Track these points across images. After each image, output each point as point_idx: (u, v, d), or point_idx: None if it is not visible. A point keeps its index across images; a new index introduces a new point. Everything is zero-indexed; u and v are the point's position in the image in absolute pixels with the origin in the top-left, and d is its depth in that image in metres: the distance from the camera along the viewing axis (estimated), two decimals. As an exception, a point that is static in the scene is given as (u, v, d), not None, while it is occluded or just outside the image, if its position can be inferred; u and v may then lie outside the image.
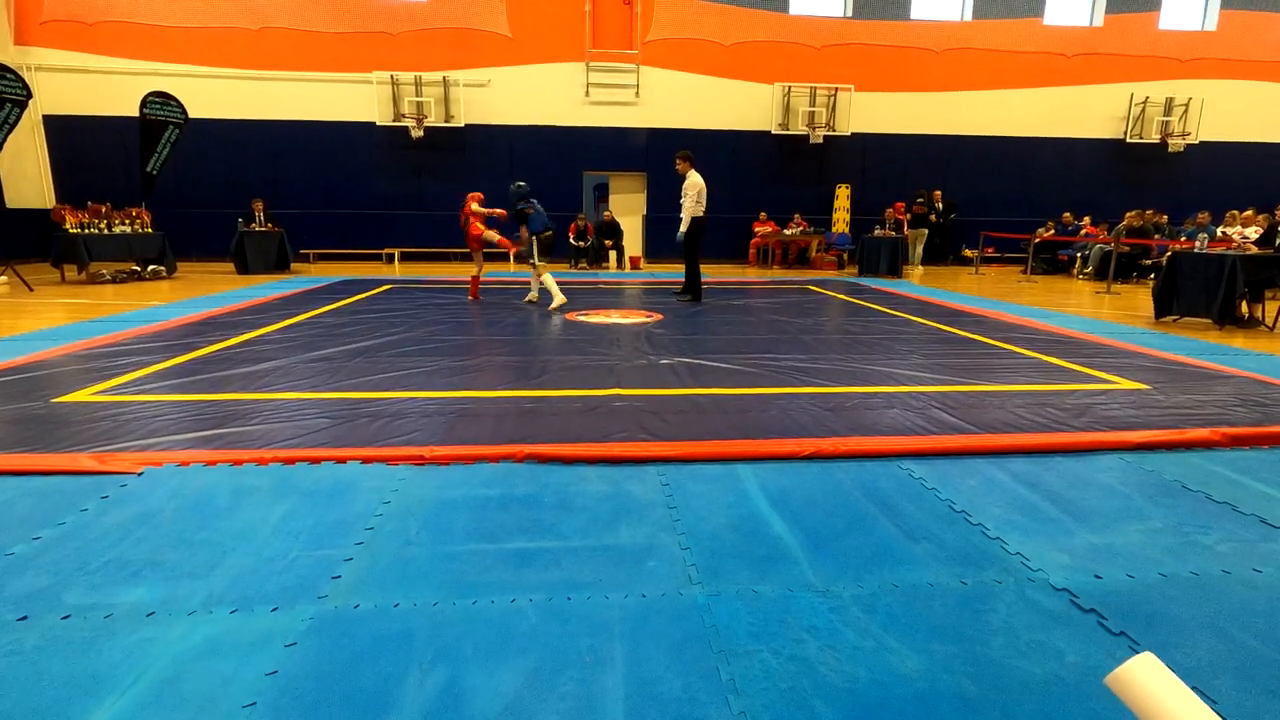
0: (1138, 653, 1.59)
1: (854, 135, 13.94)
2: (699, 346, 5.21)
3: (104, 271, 9.49)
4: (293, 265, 11.66)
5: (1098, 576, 1.96)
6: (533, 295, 7.60)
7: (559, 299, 7.08)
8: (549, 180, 13.29)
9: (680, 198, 7.82)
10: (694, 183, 7.72)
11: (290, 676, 1.50)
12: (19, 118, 8.65)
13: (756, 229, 13.96)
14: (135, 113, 10.26)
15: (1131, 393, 3.94)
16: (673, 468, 2.76)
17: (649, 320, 6.49)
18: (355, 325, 5.99)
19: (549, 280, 7.25)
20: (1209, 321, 6.53)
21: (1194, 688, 1.48)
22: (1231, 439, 3.12)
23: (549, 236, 7.29)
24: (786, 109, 13.82)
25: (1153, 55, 14.39)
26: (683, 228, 7.73)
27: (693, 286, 8.03)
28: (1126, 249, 10.65)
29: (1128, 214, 11.50)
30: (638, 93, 13.70)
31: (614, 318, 6.63)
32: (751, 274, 12.16)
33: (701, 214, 7.83)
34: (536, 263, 7.30)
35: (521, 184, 7.34)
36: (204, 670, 1.52)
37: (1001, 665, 1.57)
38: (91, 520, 2.23)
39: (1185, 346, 5.42)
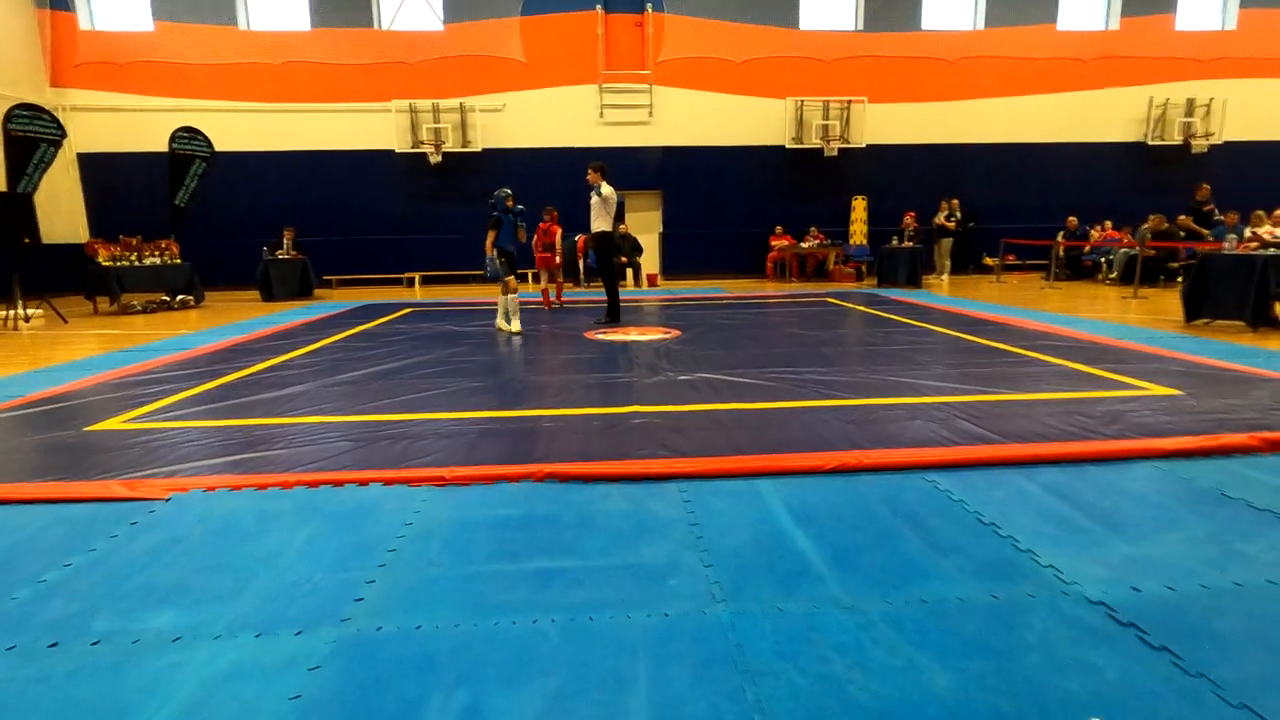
0: (1181, 668, 1.53)
1: (868, 147, 13.92)
2: (718, 362, 5.19)
3: (134, 302, 9.74)
4: (315, 291, 11.88)
5: (1135, 589, 1.90)
6: (500, 321, 7.04)
7: (510, 326, 6.77)
8: (564, 200, 13.37)
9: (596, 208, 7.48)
10: (605, 194, 7.36)
11: (314, 700, 1.50)
12: (54, 157, 8.96)
13: (773, 243, 13.96)
14: (164, 148, 10.58)
15: (1164, 398, 3.84)
16: (694, 484, 2.74)
17: (667, 337, 6.48)
18: (376, 349, 6.06)
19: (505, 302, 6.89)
20: (1242, 324, 6.36)
21: (1242, 705, 1.42)
22: (1271, 444, 3.02)
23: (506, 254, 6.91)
24: (800, 123, 13.86)
25: (1172, 57, 14.22)
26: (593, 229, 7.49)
27: (612, 308, 7.56)
28: (1152, 252, 10.45)
29: (1151, 216, 11.30)
30: (651, 112, 13.84)
31: (632, 335, 6.64)
32: (769, 288, 12.13)
33: (609, 228, 7.43)
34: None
35: (503, 190, 7.01)
36: (229, 695, 1.52)
37: (1038, 682, 1.52)
38: (121, 546, 2.27)
39: (1218, 350, 5.28)
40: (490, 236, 6.90)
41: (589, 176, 7.45)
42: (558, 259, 9.00)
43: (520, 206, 7.07)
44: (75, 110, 12.88)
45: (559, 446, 3.19)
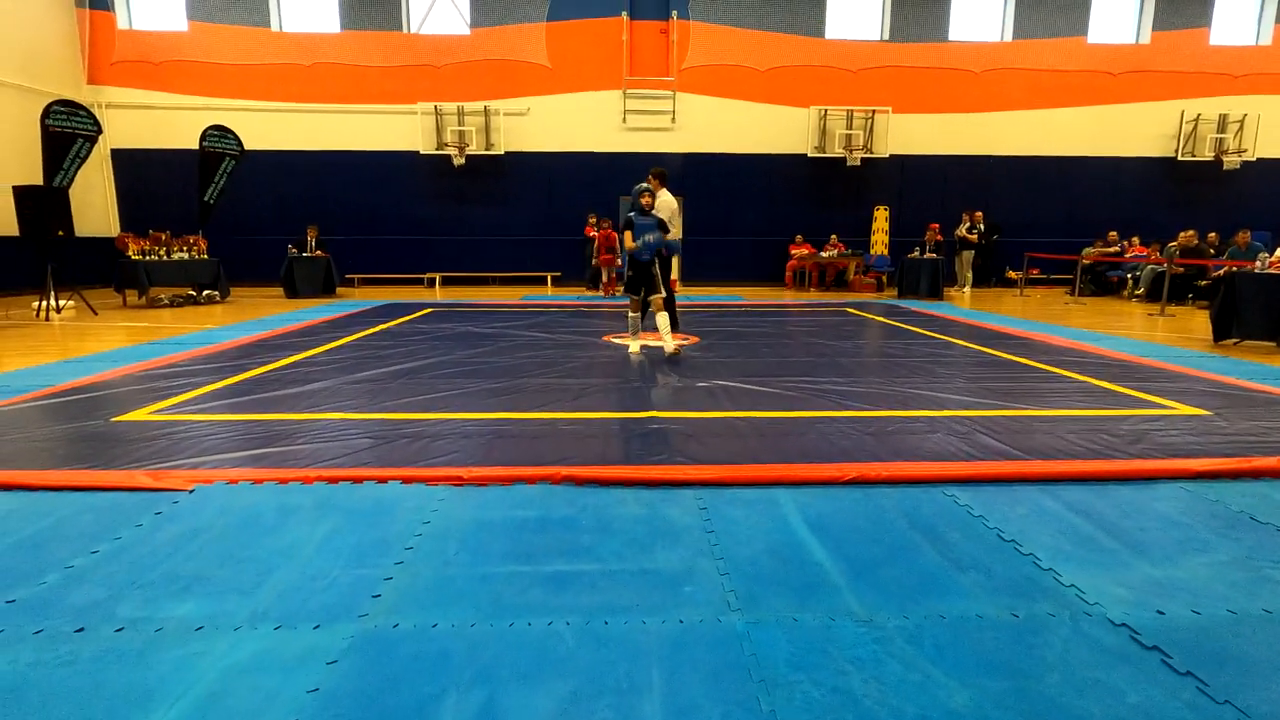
0: (1207, 694, 1.50)
1: (892, 157, 13.85)
2: (736, 369, 5.18)
3: (162, 296, 9.92)
4: (338, 290, 12.03)
5: (1160, 612, 1.86)
6: (664, 344, 5.81)
7: (633, 343, 5.90)
8: (586, 205, 13.52)
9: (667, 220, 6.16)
10: (665, 203, 6.44)
11: (331, 694, 1.51)
12: (90, 152, 9.17)
13: (793, 251, 13.91)
14: (195, 145, 10.79)
15: (1191, 418, 3.77)
16: (710, 491, 2.73)
17: (685, 343, 6.48)
18: (398, 347, 6.13)
19: (631, 320, 5.88)
20: (1273, 345, 6.23)
21: (1271, 734, 1.39)
22: (1303, 468, 2.95)
23: (637, 267, 5.75)
24: (823, 132, 13.82)
25: (1204, 71, 14.01)
26: (670, 238, 6.08)
27: (673, 317, 6.60)
28: (1180, 270, 10.27)
29: (1181, 233, 11.11)
30: (674, 118, 13.88)
31: (651, 340, 6.64)
32: (788, 297, 12.08)
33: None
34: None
35: (641, 185, 5.83)
36: (248, 685, 1.54)
37: (1057, 704, 1.49)
38: (146, 535, 2.31)
39: (1248, 371, 5.17)
40: (628, 239, 5.72)
41: (650, 183, 6.31)
42: (619, 261, 11.35)
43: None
44: (110, 107, 13.19)
45: (576, 450, 3.20)
